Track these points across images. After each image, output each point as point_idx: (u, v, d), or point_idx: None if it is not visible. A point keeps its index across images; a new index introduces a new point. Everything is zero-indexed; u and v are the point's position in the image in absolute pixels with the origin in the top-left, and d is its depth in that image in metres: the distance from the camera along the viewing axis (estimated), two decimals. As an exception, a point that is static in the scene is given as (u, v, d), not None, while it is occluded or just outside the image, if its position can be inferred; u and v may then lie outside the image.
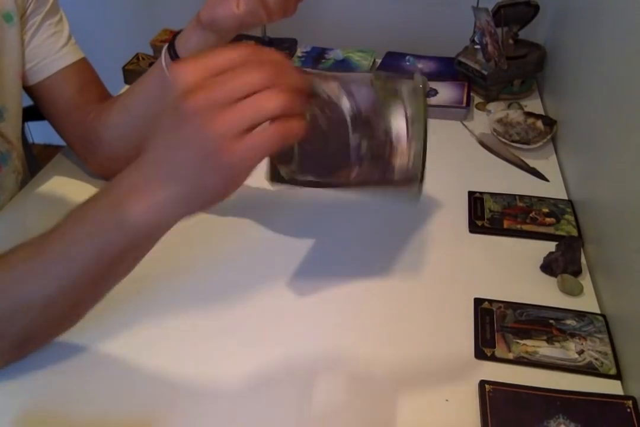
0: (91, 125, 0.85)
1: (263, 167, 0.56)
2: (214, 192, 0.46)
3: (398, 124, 0.49)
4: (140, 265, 0.76)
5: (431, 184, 0.91)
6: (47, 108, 0.87)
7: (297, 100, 0.41)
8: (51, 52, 0.83)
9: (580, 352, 0.64)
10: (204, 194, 0.46)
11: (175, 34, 0.77)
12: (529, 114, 1.04)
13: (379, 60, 1.25)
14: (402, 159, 0.51)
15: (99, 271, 0.52)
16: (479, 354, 0.64)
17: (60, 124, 0.88)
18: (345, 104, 0.47)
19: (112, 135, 0.84)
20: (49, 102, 0.86)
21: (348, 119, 0.47)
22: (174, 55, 0.76)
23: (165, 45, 0.77)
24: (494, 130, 1.01)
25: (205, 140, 0.41)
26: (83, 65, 0.86)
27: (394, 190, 0.53)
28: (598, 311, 0.69)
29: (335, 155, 0.49)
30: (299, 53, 1.27)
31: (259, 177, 0.52)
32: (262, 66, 0.41)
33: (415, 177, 0.53)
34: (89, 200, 0.51)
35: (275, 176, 0.51)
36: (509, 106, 1.09)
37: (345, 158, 0.49)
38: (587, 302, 0.70)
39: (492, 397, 0.58)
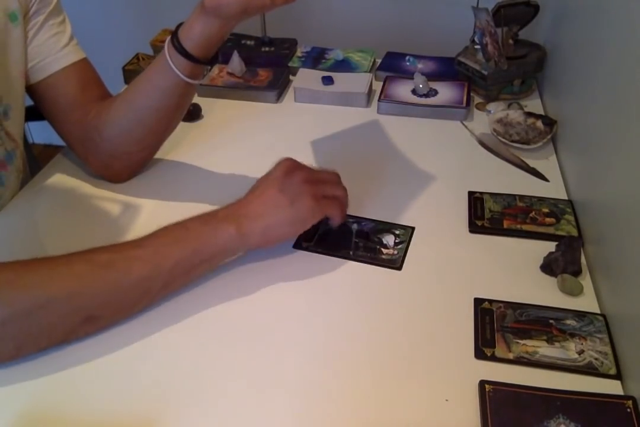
0: (92, 124, 0.85)
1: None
2: (296, 223, 0.71)
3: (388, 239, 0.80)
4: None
5: (431, 184, 0.91)
6: (48, 107, 0.87)
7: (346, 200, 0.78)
8: (52, 51, 0.83)
9: (580, 352, 0.64)
10: (289, 224, 0.71)
11: (179, 25, 0.78)
12: (529, 114, 1.04)
13: (379, 60, 1.25)
14: (389, 251, 0.78)
15: (184, 269, 0.67)
16: (479, 354, 0.64)
17: (60, 124, 0.88)
18: (354, 226, 0.82)
19: (112, 131, 0.85)
20: (50, 102, 0.86)
21: (354, 232, 0.81)
22: (177, 45, 0.76)
23: (169, 37, 0.77)
24: (494, 130, 1.01)
25: (304, 190, 0.71)
26: (84, 65, 0.87)
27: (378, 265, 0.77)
28: (598, 311, 0.69)
29: (341, 244, 0.79)
30: (299, 53, 1.27)
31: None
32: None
33: (397, 261, 0.77)
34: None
35: (298, 245, 0.79)
36: (509, 106, 1.09)
37: (347, 247, 0.79)
38: (587, 302, 0.70)
39: (492, 397, 0.58)
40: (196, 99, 1.11)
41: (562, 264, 0.73)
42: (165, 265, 0.65)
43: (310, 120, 1.08)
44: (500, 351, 0.64)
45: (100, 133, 0.85)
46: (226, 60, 1.18)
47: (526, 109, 1.08)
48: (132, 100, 0.84)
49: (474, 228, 0.81)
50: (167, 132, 0.90)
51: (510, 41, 1.12)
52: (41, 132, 2.22)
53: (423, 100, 1.09)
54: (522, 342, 0.65)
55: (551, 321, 0.67)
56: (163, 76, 0.80)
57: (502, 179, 0.92)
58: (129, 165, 0.90)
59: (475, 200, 0.86)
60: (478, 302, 0.70)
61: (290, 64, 1.23)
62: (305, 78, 1.16)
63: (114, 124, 0.84)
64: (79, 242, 0.80)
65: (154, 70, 0.81)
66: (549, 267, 0.74)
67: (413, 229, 0.81)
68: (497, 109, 1.07)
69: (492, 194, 0.87)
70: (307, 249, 0.78)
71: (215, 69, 1.18)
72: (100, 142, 0.86)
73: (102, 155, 0.88)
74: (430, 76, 1.13)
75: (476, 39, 1.10)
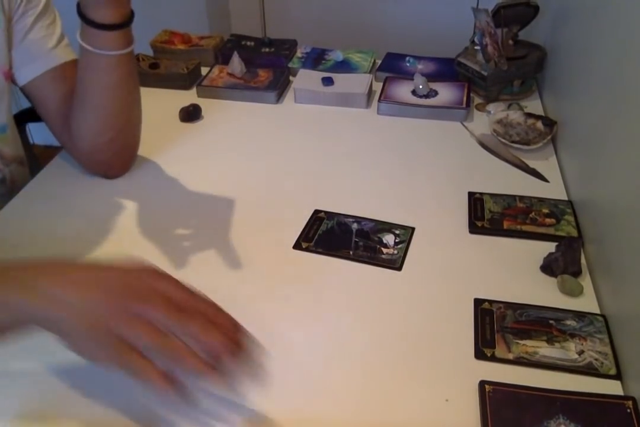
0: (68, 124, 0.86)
1: (288, 239, 0.79)
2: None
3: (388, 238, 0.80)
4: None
5: (431, 185, 0.91)
6: (39, 108, 0.88)
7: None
8: (40, 53, 0.83)
9: (580, 353, 0.64)
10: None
11: None
12: (529, 115, 1.04)
13: (379, 61, 1.26)
14: (389, 250, 0.78)
15: None
16: (479, 355, 0.64)
17: (51, 125, 0.89)
18: (354, 226, 0.81)
19: (80, 128, 0.85)
20: (39, 103, 0.87)
21: (354, 231, 0.80)
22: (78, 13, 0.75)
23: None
24: (494, 131, 1.01)
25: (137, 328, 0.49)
26: (73, 67, 0.85)
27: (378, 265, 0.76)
28: (598, 311, 0.69)
29: (341, 244, 0.79)
30: (299, 54, 1.27)
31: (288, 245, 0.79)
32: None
33: (397, 261, 0.76)
34: None
35: (297, 246, 0.78)
36: (509, 107, 1.09)
37: (347, 246, 0.78)
38: (587, 303, 0.70)
39: (492, 397, 0.58)
40: (196, 100, 1.11)
41: (562, 265, 0.73)
42: None
43: (310, 121, 1.08)
44: (500, 351, 0.64)
45: (71, 130, 0.85)
46: (226, 61, 1.18)
47: (526, 110, 1.08)
48: (77, 93, 0.83)
49: (474, 229, 0.81)
50: (123, 109, 0.85)
51: (510, 42, 1.12)
52: (41, 133, 2.21)
53: (423, 101, 1.09)
54: (522, 342, 0.65)
55: (551, 322, 0.67)
56: (86, 61, 0.79)
57: (502, 179, 0.92)
58: (115, 154, 0.89)
59: (475, 201, 0.86)
60: (478, 302, 0.70)
61: (290, 65, 1.23)
62: (305, 79, 1.16)
63: (78, 121, 0.84)
64: (78, 242, 0.80)
65: (80, 60, 0.81)
66: (549, 267, 0.74)
67: (413, 229, 0.81)
68: (497, 109, 1.07)
69: (492, 195, 0.87)
70: (307, 249, 0.78)
71: (216, 70, 1.18)
72: (76, 137, 0.86)
73: (86, 150, 0.87)
74: (430, 77, 1.13)
75: (476, 40, 1.10)
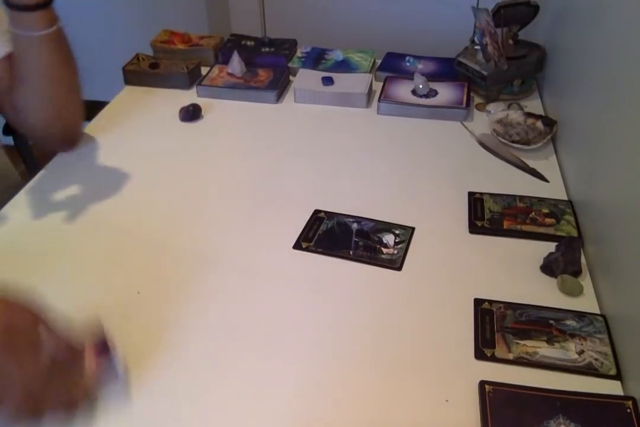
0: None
1: (288, 239, 0.79)
2: None
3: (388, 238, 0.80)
4: (140, 266, 0.77)
5: (431, 184, 0.91)
6: None
7: None
8: None
9: (580, 353, 0.64)
10: None
11: None
12: (529, 115, 1.04)
13: (379, 61, 1.26)
14: (389, 250, 0.78)
15: None
16: (479, 355, 0.64)
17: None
18: (354, 226, 0.81)
19: (24, 106, 0.87)
20: None
21: (354, 231, 0.80)
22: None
23: None
24: (494, 130, 1.01)
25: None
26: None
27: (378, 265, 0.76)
28: (598, 311, 0.69)
29: (341, 244, 0.79)
30: (299, 53, 1.27)
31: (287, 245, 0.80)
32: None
33: (397, 261, 0.76)
34: None
35: (297, 246, 0.78)
36: (509, 106, 1.09)
37: (347, 246, 0.78)
38: (587, 303, 0.70)
39: (492, 397, 0.58)
40: (196, 99, 1.11)
41: (562, 265, 0.73)
42: None
43: (310, 121, 1.08)
44: (500, 351, 0.64)
45: (17, 108, 0.87)
46: (226, 61, 1.18)
47: (526, 110, 1.08)
48: (15, 72, 0.85)
49: (474, 229, 0.81)
50: (58, 87, 0.87)
51: (510, 41, 1.12)
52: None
53: (423, 101, 1.09)
54: (522, 342, 0.65)
55: (551, 322, 0.67)
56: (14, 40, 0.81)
57: (502, 179, 0.92)
58: (60, 130, 0.91)
59: (475, 201, 0.86)
60: (478, 302, 0.70)
61: (290, 65, 1.23)
62: (305, 78, 1.16)
63: (17, 96, 0.86)
64: (77, 241, 0.80)
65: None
66: (549, 267, 0.74)
67: (413, 229, 0.81)
68: (497, 109, 1.07)
69: (492, 195, 0.87)
70: (307, 249, 0.78)
71: (215, 70, 1.18)
72: (22, 115, 0.88)
73: (31, 126, 0.89)
74: (430, 77, 1.13)
75: (476, 40, 1.10)
